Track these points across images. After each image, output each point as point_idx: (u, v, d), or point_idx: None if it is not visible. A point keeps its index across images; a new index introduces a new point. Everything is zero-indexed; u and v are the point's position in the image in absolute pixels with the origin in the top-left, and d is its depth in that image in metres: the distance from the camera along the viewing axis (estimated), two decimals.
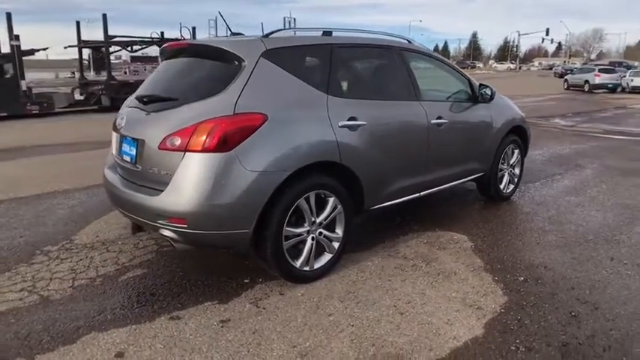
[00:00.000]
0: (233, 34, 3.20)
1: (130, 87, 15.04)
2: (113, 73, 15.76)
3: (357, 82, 3.18)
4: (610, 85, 23.95)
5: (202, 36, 16.88)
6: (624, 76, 24.69)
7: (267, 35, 2.86)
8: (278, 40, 2.83)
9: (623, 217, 4.12)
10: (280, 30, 2.95)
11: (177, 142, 2.47)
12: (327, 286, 2.84)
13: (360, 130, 2.96)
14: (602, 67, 26.88)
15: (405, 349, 2.21)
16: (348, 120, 2.91)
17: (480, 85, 4.06)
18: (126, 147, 2.89)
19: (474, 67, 78.24)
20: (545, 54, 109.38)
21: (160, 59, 3.43)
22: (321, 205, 2.86)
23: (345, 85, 3.05)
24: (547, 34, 66.66)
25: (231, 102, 2.50)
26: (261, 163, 2.48)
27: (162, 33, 16.49)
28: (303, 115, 2.74)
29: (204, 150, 2.40)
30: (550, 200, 4.65)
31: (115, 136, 3.11)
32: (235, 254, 3.13)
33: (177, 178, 2.45)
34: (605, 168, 6.12)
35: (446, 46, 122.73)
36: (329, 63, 2.97)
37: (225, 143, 2.40)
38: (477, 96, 4.01)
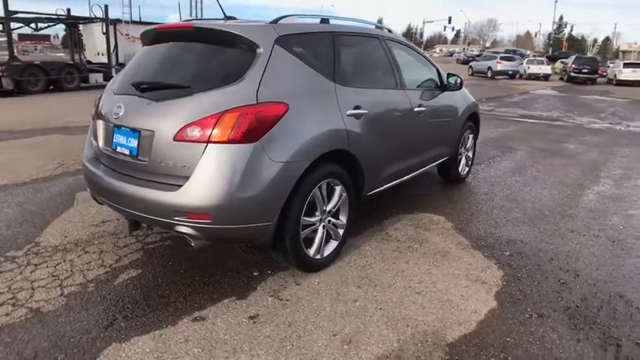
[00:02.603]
0: (227, 17, 3.02)
1: (37, 69, 13.42)
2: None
3: (356, 70, 3.21)
4: (510, 72, 26.54)
5: (116, 14, 15.48)
6: (522, 64, 27.52)
7: (275, 21, 2.76)
8: (288, 27, 2.75)
9: (566, 193, 4.70)
10: (288, 16, 2.87)
11: (198, 132, 2.31)
12: (339, 273, 2.89)
13: (363, 118, 3.02)
14: (502, 55, 29.65)
15: (437, 326, 2.36)
16: (354, 109, 2.94)
17: (449, 74, 4.31)
18: (121, 138, 2.64)
19: None
20: (445, 41, 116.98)
21: (141, 41, 3.13)
22: (329, 193, 2.88)
23: (347, 73, 3.06)
24: (449, 22, 71.29)
25: (253, 91, 2.40)
26: (285, 153, 2.44)
27: (68, 10, 14.85)
28: (318, 104, 2.72)
29: (230, 141, 2.28)
30: (500, 181, 5.13)
31: (101, 125, 2.81)
32: (253, 248, 3.03)
33: (199, 171, 2.30)
34: (534, 150, 6.87)
35: None
36: (333, 51, 2.97)
37: (251, 133, 2.31)
38: (445, 84, 4.26)
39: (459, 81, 4.26)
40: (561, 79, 27.19)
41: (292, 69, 2.65)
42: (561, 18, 77.75)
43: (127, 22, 14.92)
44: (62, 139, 6.75)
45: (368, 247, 3.28)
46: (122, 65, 14.85)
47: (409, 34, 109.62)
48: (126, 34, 14.78)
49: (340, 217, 3.03)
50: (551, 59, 33.38)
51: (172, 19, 17.80)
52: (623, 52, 55.07)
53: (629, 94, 19.04)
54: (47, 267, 2.92)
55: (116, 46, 14.97)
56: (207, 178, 2.30)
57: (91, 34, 15.57)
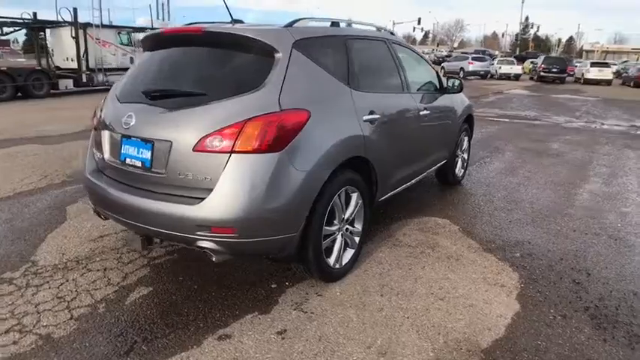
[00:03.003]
0: (234, 21, 2.92)
1: (3, 75, 12.83)
2: None
3: (367, 74, 3.17)
4: (482, 72, 27.22)
5: (86, 17, 14.96)
6: (492, 64, 28.26)
7: (290, 24, 2.69)
8: (304, 30, 2.69)
9: (560, 193, 4.82)
10: (302, 19, 2.80)
11: (220, 142, 2.22)
12: (358, 282, 2.85)
13: (377, 123, 2.99)
14: (474, 55, 30.39)
15: (467, 332, 2.35)
16: (369, 114, 2.91)
17: (448, 77, 4.34)
18: (131, 149, 2.51)
19: None
20: (414, 42, 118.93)
21: (141, 46, 3.00)
22: (346, 201, 2.83)
23: (360, 78, 3.02)
24: (419, 23, 72.49)
25: (274, 98, 2.32)
26: (309, 162, 2.38)
27: (34, 14, 14.23)
28: (337, 110, 2.68)
29: (255, 150, 2.20)
30: (495, 182, 5.21)
31: (106, 136, 2.67)
32: (272, 260, 2.94)
33: (223, 182, 2.21)
34: (520, 150, 7.02)
35: None
36: (347, 55, 2.93)
37: (276, 142, 2.24)
38: (444, 87, 4.28)
39: (458, 84, 4.30)
40: (531, 78, 28.06)
41: (311, 74, 2.59)
42: (527, 19, 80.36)
43: (97, 26, 14.43)
44: (40, 150, 6.44)
45: (381, 254, 3.25)
46: (92, 71, 14.36)
47: None
48: (96, 39, 14.29)
49: (355, 225, 2.99)
50: (520, 59, 34.42)
51: (142, 22, 17.29)
52: (587, 51, 57.48)
53: (597, 92, 19.84)
54: (50, 288, 2.75)
55: (86, 51, 14.45)
56: (231, 189, 2.21)
57: (59, 39, 14.97)
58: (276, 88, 2.36)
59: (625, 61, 38.77)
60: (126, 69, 16.76)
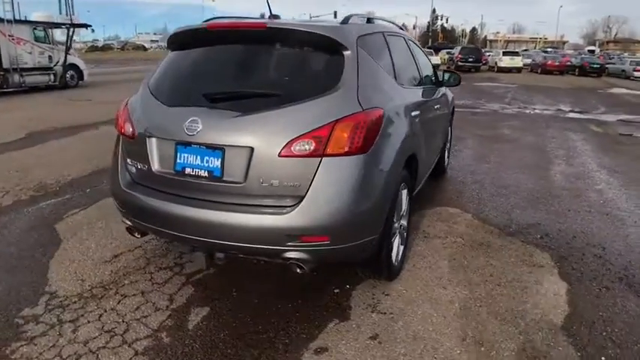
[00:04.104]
0: (273, 16, 2.76)
1: None
2: None
3: (402, 69, 3.18)
4: None
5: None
6: None
7: (346, 21, 2.61)
8: (360, 27, 2.64)
9: (536, 176, 5.26)
10: (353, 15, 2.73)
11: (309, 146, 2.11)
12: (415, 277, 2.89)
13: (417, 118, 3.04)
14: None
15: (539, 312, 2.50)
16: (413, 109, 2.95)
17: (444, 71, 4.51)
18: (192, 158, 2.28)
19: None
20: None
21: (168, 44, 2.71)
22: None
23: (400, 73, 3.04)
24: (335, 16, 73.90)
25: (354, 97, 2.26)
26: (387, 161, 2.37)
27: None
28: (397, 106, 2.68)
29: (346, 153, 2.13)
30: (475, 169, 5.53)
31: (153, 144, 2.39)
32: (350, 264, 2.87)
33: (315, 188, 2.11)
34: (479, 137, 7.53)
35: None
36: (389, 51, 2.93)
37: (365, 143, 2.19)
38: (440, 80, 4.45)
39: (455, 77, 4.47)
40: (449, 68, 29.98)
41: (373, 71, 2.56)
42: (434, 11, 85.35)
43: (9, 22, 12.68)
44: None
45: (419, 248, 3.32)
46: (7, 71, 12.60)
47: None
48: (9, 36, 12.55)
49: (402, 221, 3.02)
50: (435, 50, 36.57)
51: (39, 17, 15.37)
52: (490, 41, 62.66)
53: (513, 79, 21.84)
54: (90, 322, 2.43)
55: None
56: (325, 195, 2.12)
57: None
58: (353, 87, 2.29)
59: (525, 50, 43.02)
60: (46, 68, 14.84)
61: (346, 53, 2.38)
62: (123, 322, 2.43)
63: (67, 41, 14.46)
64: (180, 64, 2.62)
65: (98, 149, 6.02)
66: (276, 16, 2.82)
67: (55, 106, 10.73)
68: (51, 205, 4.11)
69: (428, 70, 4.22)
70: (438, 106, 4.20)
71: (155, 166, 2.40)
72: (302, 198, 2.13)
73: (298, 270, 2.26)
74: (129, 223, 2.58)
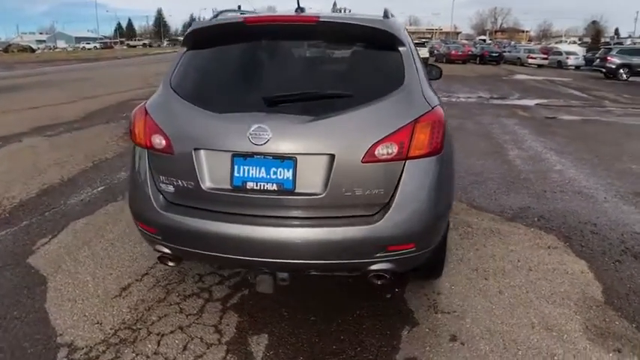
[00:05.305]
0: (300, 8, 2.53)
1: None
2: None
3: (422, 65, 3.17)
4: None
5: None
6: None
7: (387, 16, 2.50)
8: (400, 23, 2.54)
9: (499, 161, 5.64)
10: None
11: (393, 149, 1.99)
12: (454, 272, 2.92)
13: None
14: None
15: (578, 291, 2.68)
16: None
17: (428, 65, 4.60)
18: (255, 171, 2.03)
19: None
20: None
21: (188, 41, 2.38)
22: None
23: (420, 69, 3.01)
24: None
25: (419, 95, 2.18)
26: (452, 159, 2.37)
27: None
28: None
29: (428, 154, 2.05)
30: (457, 159, 5.73)
31: (202, 158, 2.08)
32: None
33: (402, 193, 2.01)
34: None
35: (130, 23, 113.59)
36: (410, 48, 2.89)
37: (441, 142, 2.12)
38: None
39: (438, 71, 4.56)
40: None
41: (420, 68, 2.50)
42: (334, 5, 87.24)
43: None
44: None
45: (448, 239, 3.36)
46: None
47: (190, 25, 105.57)
48: None
49: None
50: None
51: None
52: None
53: None
54: None
55: None
56: (411, 200, 2.03)
57: None
58: (417, 84, 2.22)
59: (425, 41, 46.08)
60: None
61: (402, 49, 2.28)
62: None
63: None
64: (216, 65, 2.30)
65: (34, 165, 5.21)
66: (302, 9, 2.62)
67: None
68: (9, 235, 3.44)
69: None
70: None
71: (206, 182, 2.09)
72: (386, 205, 2.02)
73: (378, 282, 2.14)
74: (167, 250, 2.23)
